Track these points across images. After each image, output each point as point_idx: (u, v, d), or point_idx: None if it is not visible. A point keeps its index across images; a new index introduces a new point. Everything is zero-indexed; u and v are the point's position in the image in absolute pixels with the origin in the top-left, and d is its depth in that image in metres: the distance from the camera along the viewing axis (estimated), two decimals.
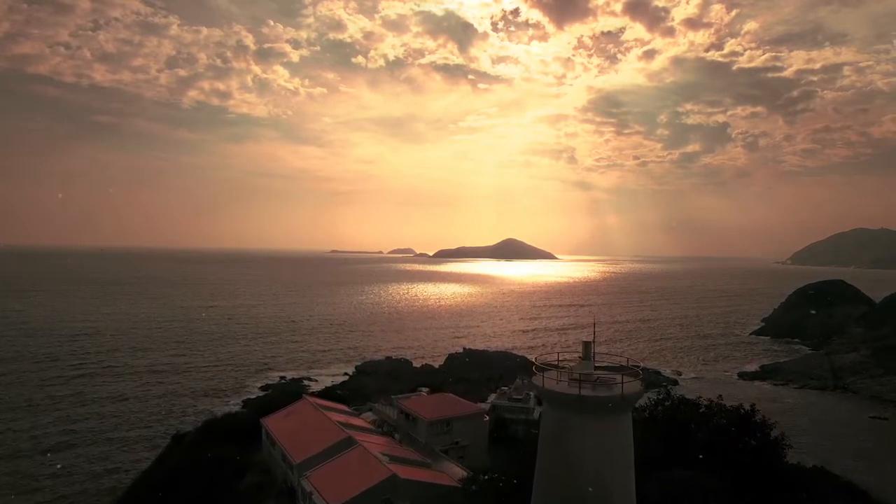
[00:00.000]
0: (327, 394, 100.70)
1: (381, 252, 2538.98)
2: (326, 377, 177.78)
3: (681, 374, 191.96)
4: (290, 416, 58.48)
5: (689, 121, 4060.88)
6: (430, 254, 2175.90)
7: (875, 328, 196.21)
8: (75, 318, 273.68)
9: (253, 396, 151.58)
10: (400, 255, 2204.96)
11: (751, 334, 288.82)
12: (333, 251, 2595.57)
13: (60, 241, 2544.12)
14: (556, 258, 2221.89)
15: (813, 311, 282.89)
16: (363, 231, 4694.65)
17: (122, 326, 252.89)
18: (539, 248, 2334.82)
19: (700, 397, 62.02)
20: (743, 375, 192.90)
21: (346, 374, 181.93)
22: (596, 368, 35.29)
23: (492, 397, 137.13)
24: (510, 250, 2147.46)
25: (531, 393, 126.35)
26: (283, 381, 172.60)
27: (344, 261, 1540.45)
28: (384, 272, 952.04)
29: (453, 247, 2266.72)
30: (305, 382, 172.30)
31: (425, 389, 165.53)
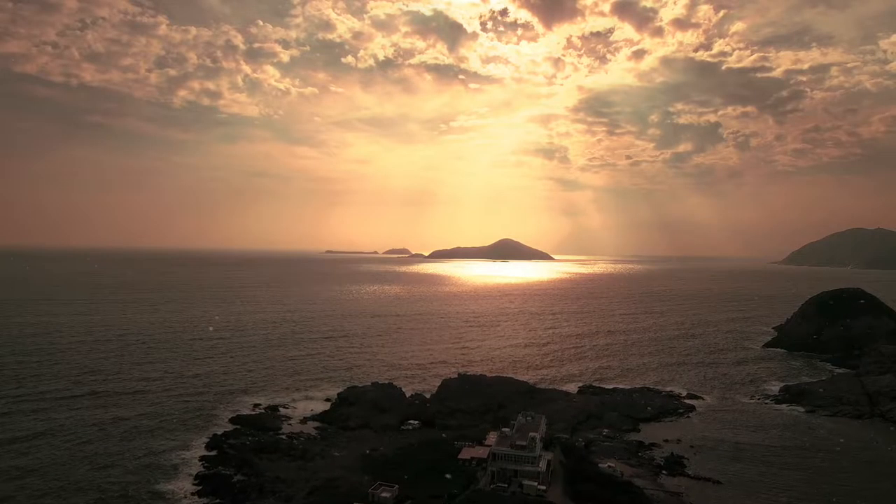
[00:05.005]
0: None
1: (376, 252, 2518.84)
2: (305, 405, 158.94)
3: (698, 398, 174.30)
4: None
5: (681, 121, 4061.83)
6: (426, 254, 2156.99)
7: None
8: (23, 333, 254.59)
9: (220, 432, 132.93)
10: (395, 256, 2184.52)
11: (764, 346, 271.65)
12: (328, 251, 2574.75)
13: (53, 242, 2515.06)
14: (551, 258, 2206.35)
15: (828, 323, 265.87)
16: (358, 231, 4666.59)
17: (84, 342, 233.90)
18: (534, 248, 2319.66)
19: None
20: (766, 399, 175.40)
21: (327, 399, 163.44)
22: None
23: (491, 437, 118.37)
24: (506, 251, 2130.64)
25: (536, 436, 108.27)
26: (258, 409, 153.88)
27: (338, 261, 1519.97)
28: (378, 274, 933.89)
29: (449, 247, 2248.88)
30: (282, 411, 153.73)
31: (415, 422, 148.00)
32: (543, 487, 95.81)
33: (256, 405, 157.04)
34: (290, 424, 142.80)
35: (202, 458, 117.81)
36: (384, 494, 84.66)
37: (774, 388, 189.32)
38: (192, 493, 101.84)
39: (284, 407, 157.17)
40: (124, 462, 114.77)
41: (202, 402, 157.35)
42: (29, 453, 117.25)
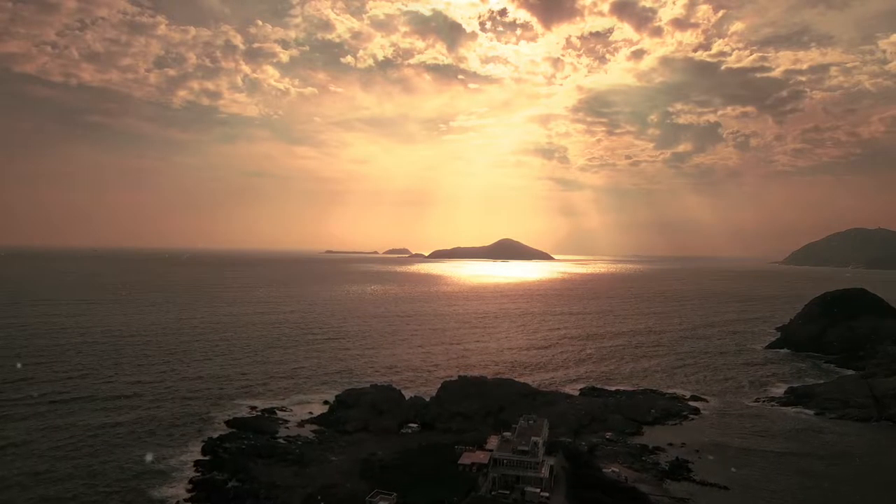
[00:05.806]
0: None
1: (376, 252, 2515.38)
2: (303, 408, 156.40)
3: (702, 400, 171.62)
4: None
5: (680, 121, 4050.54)
6: (426, 254, 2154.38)
7: None
8: (22, 333, 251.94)
9: (216, 436, 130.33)
10: (395, 256, 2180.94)
11: (767, 347, 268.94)
12: (328, 251, 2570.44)
13: (53, 242, 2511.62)
14: (552, 258, 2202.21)
15: (832, 324, 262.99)
16: (358, 231, 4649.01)
17: (83, 343, 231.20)
18: (535, 248, 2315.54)
19: None
20: (771, 401, 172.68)
21: (325, 402, 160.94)
22: None
23: (492, 441, 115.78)
24: (506, 251, 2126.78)
25: (538, 440, 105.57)
26: (254, 412, 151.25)
27: (338, 261, 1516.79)
28: (378, 275, 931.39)
29: (449, 247, 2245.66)
30: (279, 414, 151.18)
31: (414, 425, 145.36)
32: (546, 494, 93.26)
33: (253, 408, 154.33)
34: (287, 427, 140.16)
35: (197, 463, 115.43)
36: (382, 503, 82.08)
37: (779, 389, 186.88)
38: (186, 500, 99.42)
39: (282, 409, 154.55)
40: (119, 466, 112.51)
41: (198, 405, 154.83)
42: (24, 458, 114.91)
